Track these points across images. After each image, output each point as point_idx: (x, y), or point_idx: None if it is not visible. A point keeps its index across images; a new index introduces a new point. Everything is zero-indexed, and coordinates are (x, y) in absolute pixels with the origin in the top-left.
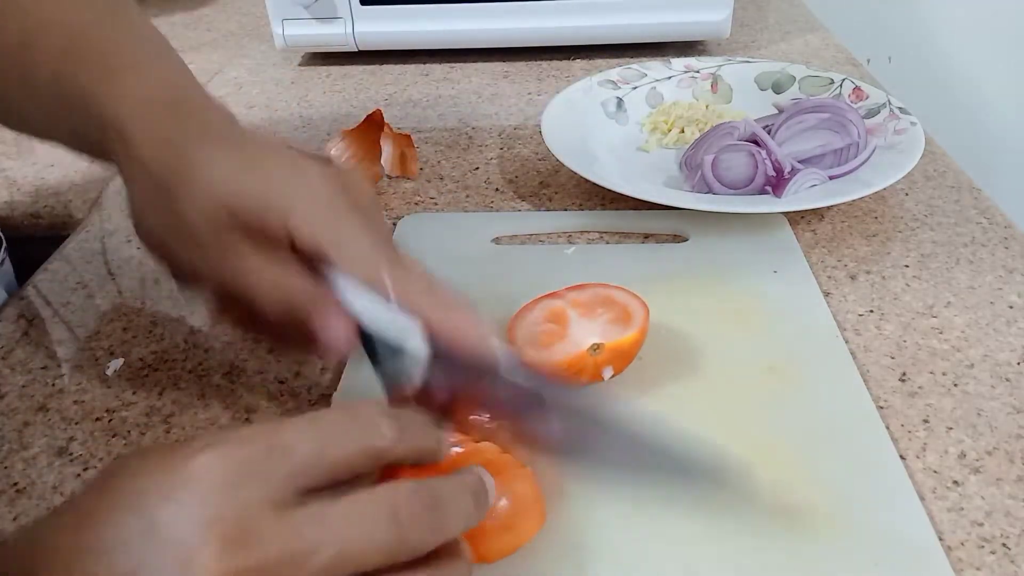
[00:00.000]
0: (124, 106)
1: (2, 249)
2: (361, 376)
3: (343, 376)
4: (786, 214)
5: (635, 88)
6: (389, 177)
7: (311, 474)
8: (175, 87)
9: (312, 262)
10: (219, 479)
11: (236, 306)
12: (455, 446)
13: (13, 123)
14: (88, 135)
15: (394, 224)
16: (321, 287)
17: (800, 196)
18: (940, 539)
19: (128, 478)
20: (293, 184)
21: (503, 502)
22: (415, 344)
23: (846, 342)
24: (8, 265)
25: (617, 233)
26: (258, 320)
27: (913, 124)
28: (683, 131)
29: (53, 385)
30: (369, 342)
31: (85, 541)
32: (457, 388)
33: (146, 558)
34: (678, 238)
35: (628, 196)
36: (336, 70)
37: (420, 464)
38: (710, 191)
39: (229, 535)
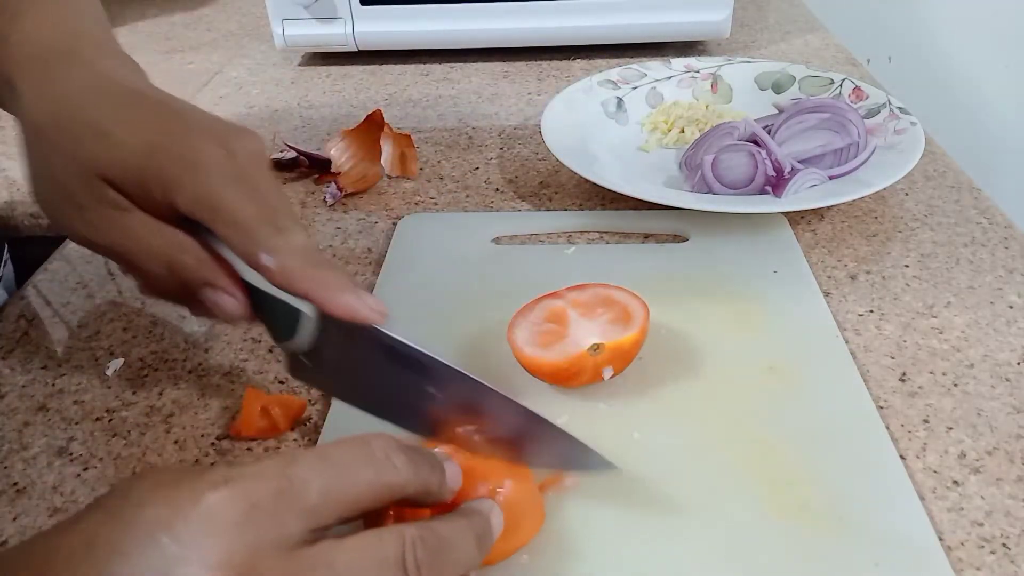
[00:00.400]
0: (19, 53)
1: (4, 250)
2: None
3: None
4: (786, 214)
5: (635, 88)
6: (389, 177)
7: (322, 513)
8: (75, 33)
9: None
10: (230, 519)
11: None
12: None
13: None
14: None
15: (394, 224)
16: (207, 250)
17: (800, 196)
18: (940, 539)
19: (138, 507)
20: (176, 152)
21: (503, 503)
22: (301, 306)
23: (846, 342)
24: (9, 265)
25: (617, 233)
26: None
27: (913, 124)
28: (683, 131)
29: (53, 385)
30: (257, 300)
31: (91, 569)
32: (347, 351)
33: None
34: (678, 238)
35: (628, 196)
36: (336, 70)
37: (427, 501)
38: (710, 191)
39: None
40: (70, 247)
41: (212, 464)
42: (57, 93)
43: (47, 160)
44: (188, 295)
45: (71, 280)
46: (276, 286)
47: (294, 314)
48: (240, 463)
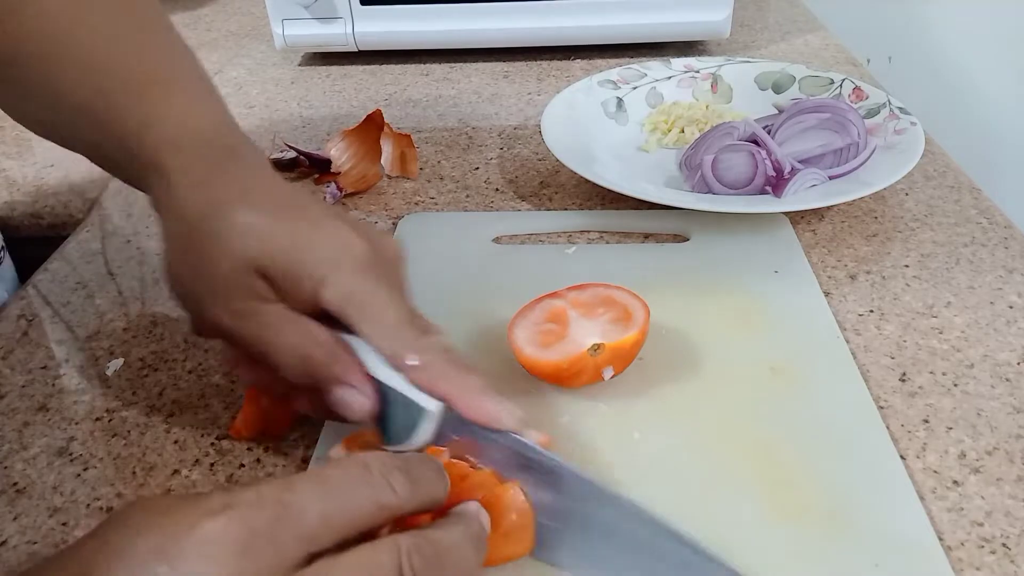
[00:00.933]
0: (163, 138)
1: (2, 250)
2: None
3: None
4: (786, 214)
5: (635, 88)
6: (389, 177)
7: (321, 538)
8: (215, 120)
9: (332, 322)
10: (228, 547)
11: (254, 362)
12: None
13: (41, 131)
14: (119, 160)
15: (394, 224)
16: (341, 348)
17: (800, 196)
18: (940, 539)
19: (134, 536)
20: (326, 249)
21: (511, 516)
22: (429, 402)
23: (846, 342)
24: (9, 264)
25: (617, 233)
26: (275, 378)
27: (913, 124)
28: (683, 131)
29: (53, 385)
30: (384, 400)
31: None
32: (464, 444)
33: None
34: (679, 238)
35: (628, 196)
36: (336, 70)
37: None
38: (710, 191)
39: None
40: (70, 247)
41: (212, 466)
42: (218, 188)
43: (199, 251)
44: (316, 389)
45: (71, 280)
46: (418, 386)
47: (416, 414)
48: (237, 488)
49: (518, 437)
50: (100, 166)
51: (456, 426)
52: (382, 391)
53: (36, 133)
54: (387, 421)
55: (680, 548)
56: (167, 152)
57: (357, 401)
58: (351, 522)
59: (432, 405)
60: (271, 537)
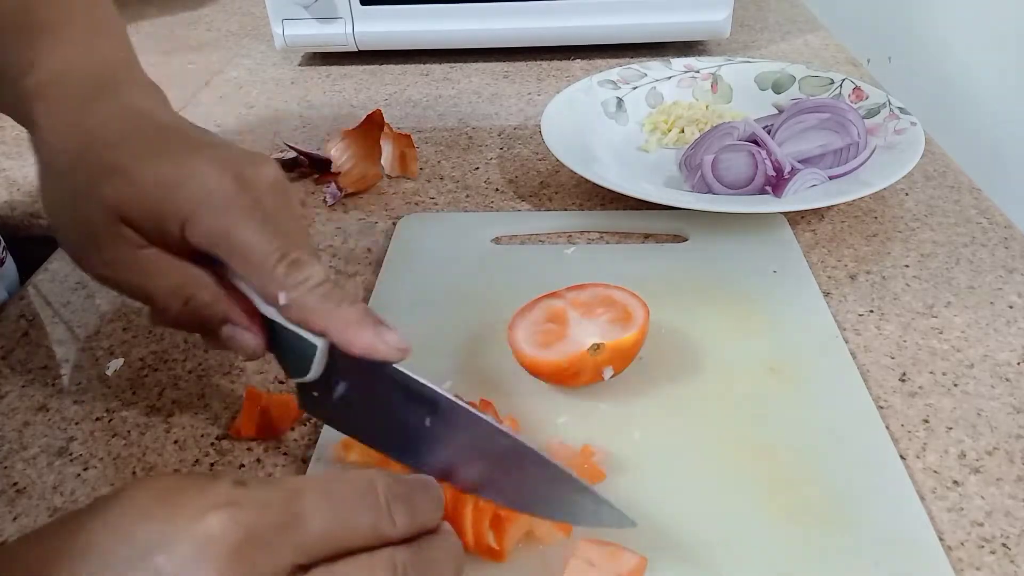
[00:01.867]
0: (40, 80)
1: (2, 249)
2: None
3: None
4: (786, 214)
5: (635, 88)
6: (389, 177)
7: (317, 552)
8: (98, 61)
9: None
10: (227, 546)
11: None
12: None
13: None
14: (12, 106)
15: (394, 224)
16: (223, 287)
17: (800, 196)
18: (940, 539)
19: (138, 519)
20: (189, 187)
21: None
22: (316, 341)
23: (846, 342)
24: (11, 264)
25: (617, 233)
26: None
27: (913, 124)
28: (683, 131)
29: (53, 385)
30: (272, 333)
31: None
32: (355, 385)
33: None
34: (678, 238)
35: (628, 196)
36: (336, 70)
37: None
38: (710, 191)
39: None
40: None
41: (212, 465)
42: (78, 132)
43: (65, 198)
44: (204, 329)
45: (71, 280)
46: (293, 323)
47: (307, 348)
48: (249, 482)
49: (397, 368)
50: (5, 114)
51: (345, 358)
52: (274, 328)
53: None
54: (285, 357)
55: (545, 468)
56: (41, 95)
57: (245, 339)
58: (348, 541)
59: (318, 340)
60: (270, 542)
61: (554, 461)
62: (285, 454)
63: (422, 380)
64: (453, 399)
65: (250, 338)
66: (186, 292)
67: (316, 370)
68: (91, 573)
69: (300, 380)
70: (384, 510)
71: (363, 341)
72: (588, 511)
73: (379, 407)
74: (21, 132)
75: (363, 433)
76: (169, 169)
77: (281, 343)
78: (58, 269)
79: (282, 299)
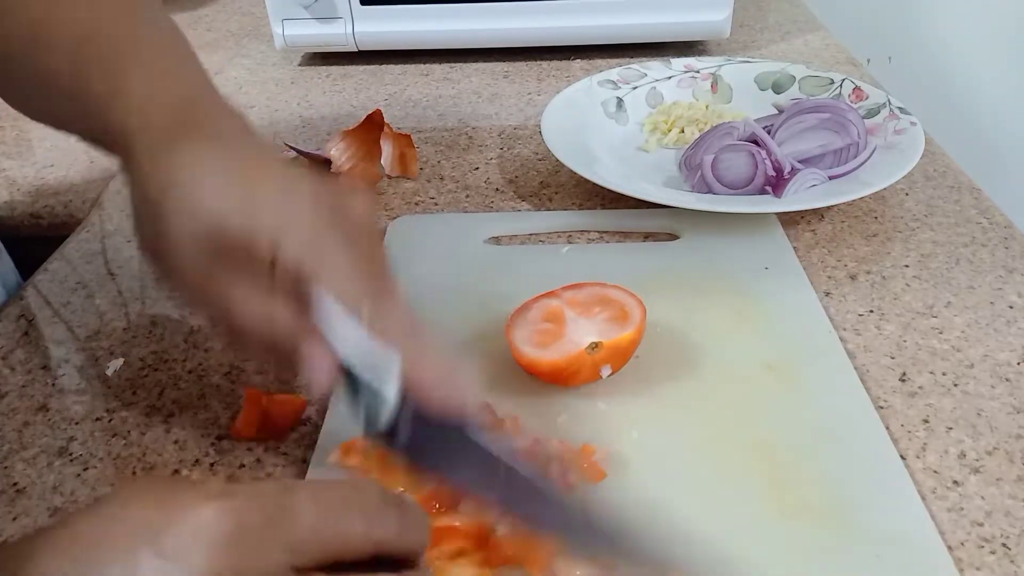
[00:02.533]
0: (129, 111)
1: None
2: None
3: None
4: (787, 214)
5: (635, 88)
6: (389, 177)
7: (306, 552)
8: (184, 92)
9: (299, 287)
10: (217, 536)
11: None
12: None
13: (33, 115)
14: (99, 138)
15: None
16: (305, 318)
17: (800, 196)
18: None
19: (128, 506)
20: (282, 210)
21: None
22: (388, 387)
23: (846, 342)
24: (8, 262)
25: (617, 233)
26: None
27: (913, 124)
28: (683, 131)
29: (53, 385)
30: (348, 376)
31: (71, 563)
32: (423, 441)
33: None
34: (672, 236)
35: (628, 196)
36: (336, 70)
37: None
38: (710, 191)
39: None
40: (70, 247)
41: (212, 465)
42: (176, 159)
43: (161, 225)
44: (280, 361)
45: (71, 280)
46: (375, 337)
47: (378, 401)
48: (239, 482)
49: (466, 431)
50: (91, 145)
51: (416, 418)
52: (349, 375)
53: (35, 119)
54: (352, 398)
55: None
56: (131, 122)
57: (319, 377)
58: (338, 544)
59: (389, 387)
60: (260, 537)
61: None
62: (285, 454)
63: (491, 446)
64: (522, 469)
65: (321, 377)
66: (269, 325)
67: (384, 421)
68: (77, 557)
69: (369, 433)
70: (376, 513)
71: (442, 377)
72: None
73: (447, 458)
74: (21, 132)
75: (428, 472)
76: (265, 196)
77: (354, 394)
78: (58, 269)
79: (367, 319)
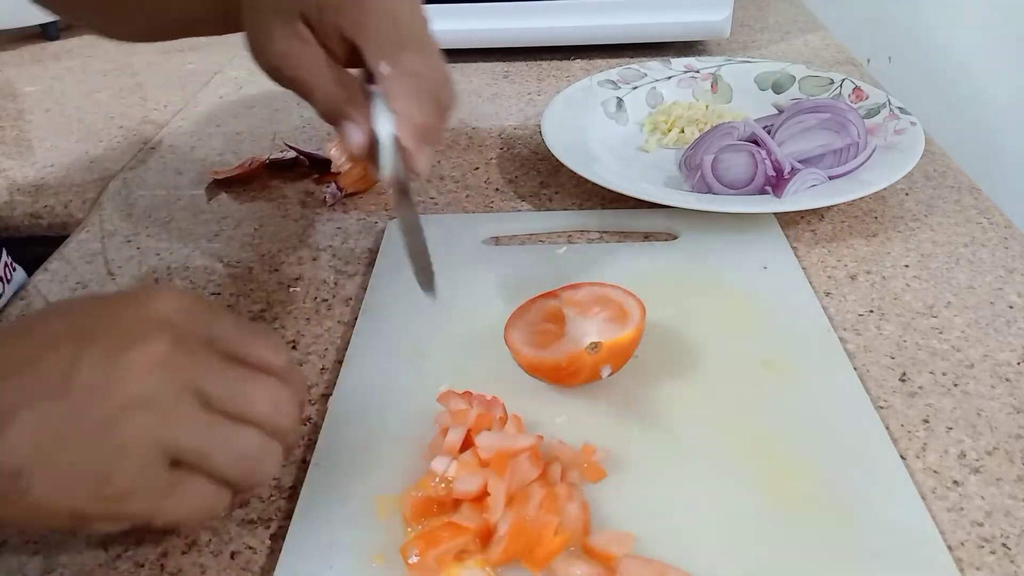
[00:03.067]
0: None
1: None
2: (357, 379)
3: (339, 378)
4: (786, 214)
5: (635, 88)
6: None
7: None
8: None
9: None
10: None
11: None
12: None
13: (142, 30)
14: None
15: (391, 217)
16: (361, 95)
17: (800, 196)
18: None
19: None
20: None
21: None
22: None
23: (846, 342)
24: (21, 274)
25: (617, 233)
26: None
27: (913, 124)
28: (683, 131)
29: None
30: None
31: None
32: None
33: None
34: (671, 236)
35: (628, 196)
36: None
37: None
38: (710, 191)
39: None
40: (70, 247)
41: None
42: None
43: (257, 5)
44: (331, 118)
45: (71, 280)
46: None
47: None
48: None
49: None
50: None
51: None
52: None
53: (140, 39)
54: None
55: None
56: None
57: (354, 135)
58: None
59: (387, 138)
60: (191, 352)
61: None
62: None
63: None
64: None
65: (359, 134)
66: (331, 87)
67: (389, 164)
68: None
69: (384, 176)
70: (272, 405)
71: (413, 143)
72: None
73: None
74: (21, 132)
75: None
76: None
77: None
78: (58, 269)
79: (383, 68)
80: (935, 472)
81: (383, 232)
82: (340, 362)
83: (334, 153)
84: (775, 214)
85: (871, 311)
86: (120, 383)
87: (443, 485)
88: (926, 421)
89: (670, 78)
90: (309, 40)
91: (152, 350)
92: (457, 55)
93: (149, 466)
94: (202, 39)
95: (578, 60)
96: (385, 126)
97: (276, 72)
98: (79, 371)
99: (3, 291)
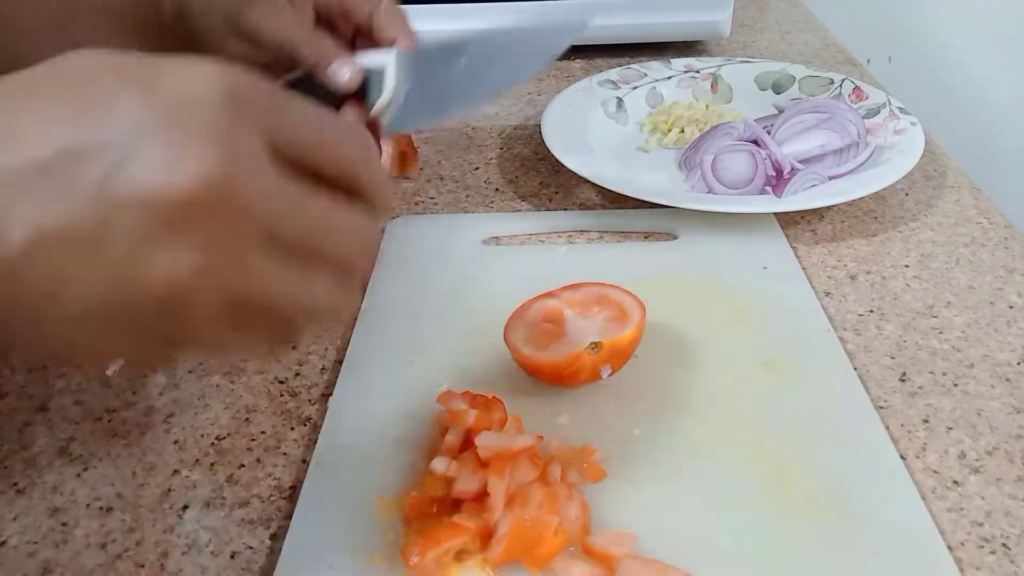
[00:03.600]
0: None
1: None
2: (357, 379)
3: (339, 378)
4: (786, 214)
5: (635, 88)
6: (389, 177)
7: (288, 141)
8: None
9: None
10: (214, 91)
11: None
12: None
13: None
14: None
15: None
16: (336, 42)
17: (800, 196)
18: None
19: (111, 56)
20: None
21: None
22: (388, 69)
23: (846, 342)
24: None
25: (617, 233)
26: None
27: (913, 124)
28: (683, 131)
29: (53, 385)
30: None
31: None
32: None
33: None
34: (671, 236)
35: (628, 196)
36: None
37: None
38: (710, 191)
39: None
40: None
41: (212, 465)
42: None
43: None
44: (322, 67)
45: None
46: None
47: (380, 77)
48: (239, 484)
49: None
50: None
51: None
52: (367, 77)
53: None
54: (369, 93)
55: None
56: None
57: (345, 71)
58: (316, 149)
59: (389, 58)
60: (251, 107)
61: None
62: (285, 454)
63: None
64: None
65: (348, 69)
66: (318, 35)
67: (391, 85)
68: (71, 105)
69: (383, 103)
70: (353, 142)
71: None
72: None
73: (428, 83)
74: None
75: (422, 117)
76: None
77: (368, 83)
78: None
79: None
80: (935, 472)
81: (383, 232)
82: (340, 362)
83: None
84: (775, 214)
85: (871, 311)
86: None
87: (442, 485)
88: (926, 421)
89: (670, 78)
90: (282, 4)
91: (197, 172)
92: None
93: (210, 316)
94: None
95: (578, 60)
96: (385, 54)
97: (253, 40)
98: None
99: None
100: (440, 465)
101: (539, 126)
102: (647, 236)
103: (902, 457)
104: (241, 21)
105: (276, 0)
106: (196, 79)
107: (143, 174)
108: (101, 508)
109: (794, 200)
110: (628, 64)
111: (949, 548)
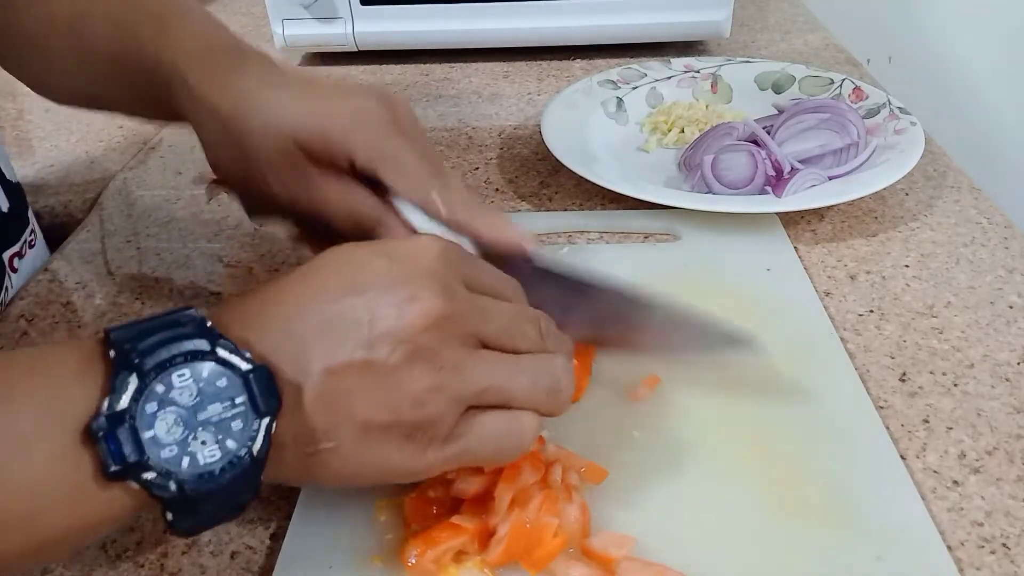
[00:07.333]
0: (181, 54)
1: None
2: None
3: None
4: (786, 214)
5: (635, 88)
6: None
7: (493, 339)
8: (227, 38)
9: (373, 184)
10: (438, 255)
11: (310, 227)
12: None
13: (69, 95)
14: (149, 90)
15: None
16: (382, 203)
17: (800, 196)
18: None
19: (349, 254)
20: (349, 112)
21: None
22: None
23: (846, 342)
24: (41, 243)
25: (618, 233)
26: (332, 237)
27: (913, 124)
28: (683, 131)
29: None
30: None
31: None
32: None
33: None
34: (672, 237)
35: (628, 196)
36: (336, 70)
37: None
38: (710, 191)
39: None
40: (70, 247)
41: None
42: (239, 81)
43: (238, 137)
44: (361, 236)
45: (71, 280)
46: (443, 222)
47: None
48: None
49: (533, 255)
50: (130, 110)
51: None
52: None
53: (62, 102)
54: None
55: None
56: (185, 62)
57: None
58: (517, 339)
59: (462, 239)
60: (461, 317)
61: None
62: None
63: (559, 264)
64: (590, 277)
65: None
66: (352, 205)
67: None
68: (307, 304)
69: None
70: (539, 333)
71: (506, 235)
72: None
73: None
74: (21, 132)
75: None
76: (330, 100)
77: None
78: (58, 269)
79: (435, 197)
80: (935, 472)
81: None
82: None
83: None
84: (777, 214)
85: (871, 311)
86: (407, 338)
87: (442, 486)
88: (926, 421)
89: (670, 78)
90: (311, 166)
91: (429, 304)
92: (457, 55)
93: (449, 414)
94: None
95: (578, 60)
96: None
97: (278, 203)
98: (374, 326)
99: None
100: None
101: (539, 126)
102: (647, 236)
103: (902, 457)
104: (297, 184)
105: (298, 160)
106: (420, 246)
107: (395, 315)
108: None
109: (794, 200)
110: (628, 64)
111: (949, 548)
